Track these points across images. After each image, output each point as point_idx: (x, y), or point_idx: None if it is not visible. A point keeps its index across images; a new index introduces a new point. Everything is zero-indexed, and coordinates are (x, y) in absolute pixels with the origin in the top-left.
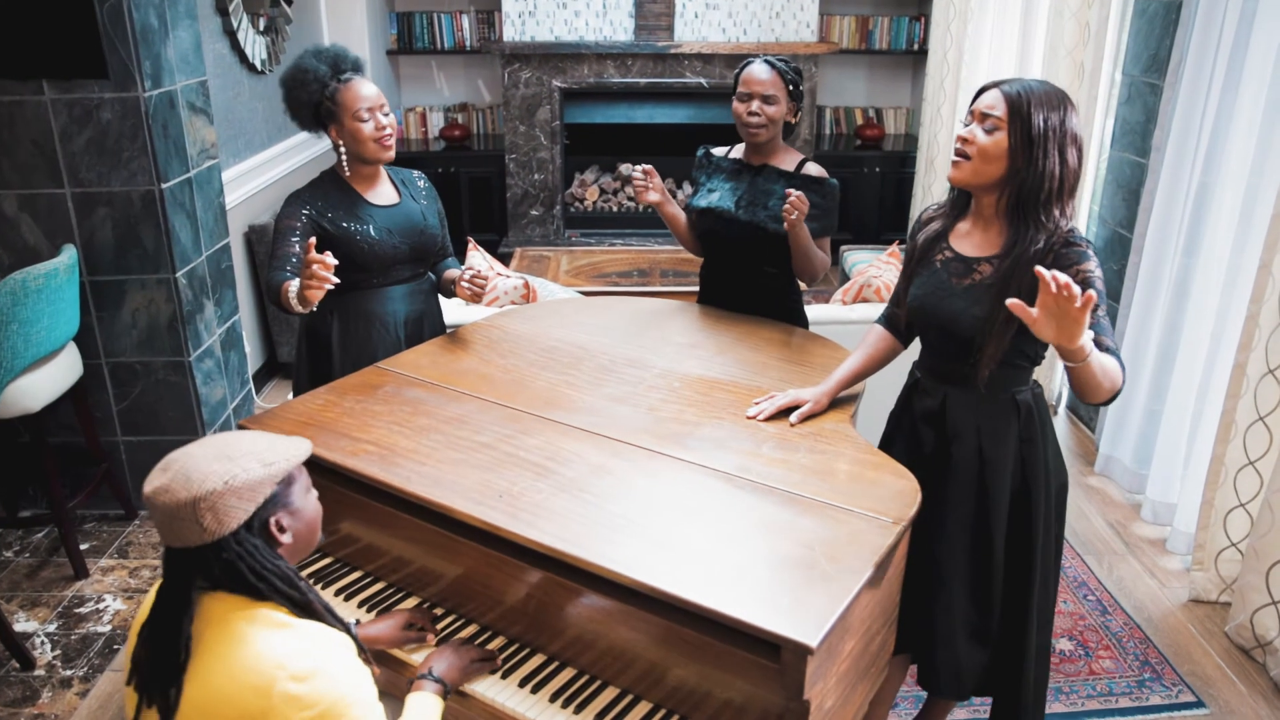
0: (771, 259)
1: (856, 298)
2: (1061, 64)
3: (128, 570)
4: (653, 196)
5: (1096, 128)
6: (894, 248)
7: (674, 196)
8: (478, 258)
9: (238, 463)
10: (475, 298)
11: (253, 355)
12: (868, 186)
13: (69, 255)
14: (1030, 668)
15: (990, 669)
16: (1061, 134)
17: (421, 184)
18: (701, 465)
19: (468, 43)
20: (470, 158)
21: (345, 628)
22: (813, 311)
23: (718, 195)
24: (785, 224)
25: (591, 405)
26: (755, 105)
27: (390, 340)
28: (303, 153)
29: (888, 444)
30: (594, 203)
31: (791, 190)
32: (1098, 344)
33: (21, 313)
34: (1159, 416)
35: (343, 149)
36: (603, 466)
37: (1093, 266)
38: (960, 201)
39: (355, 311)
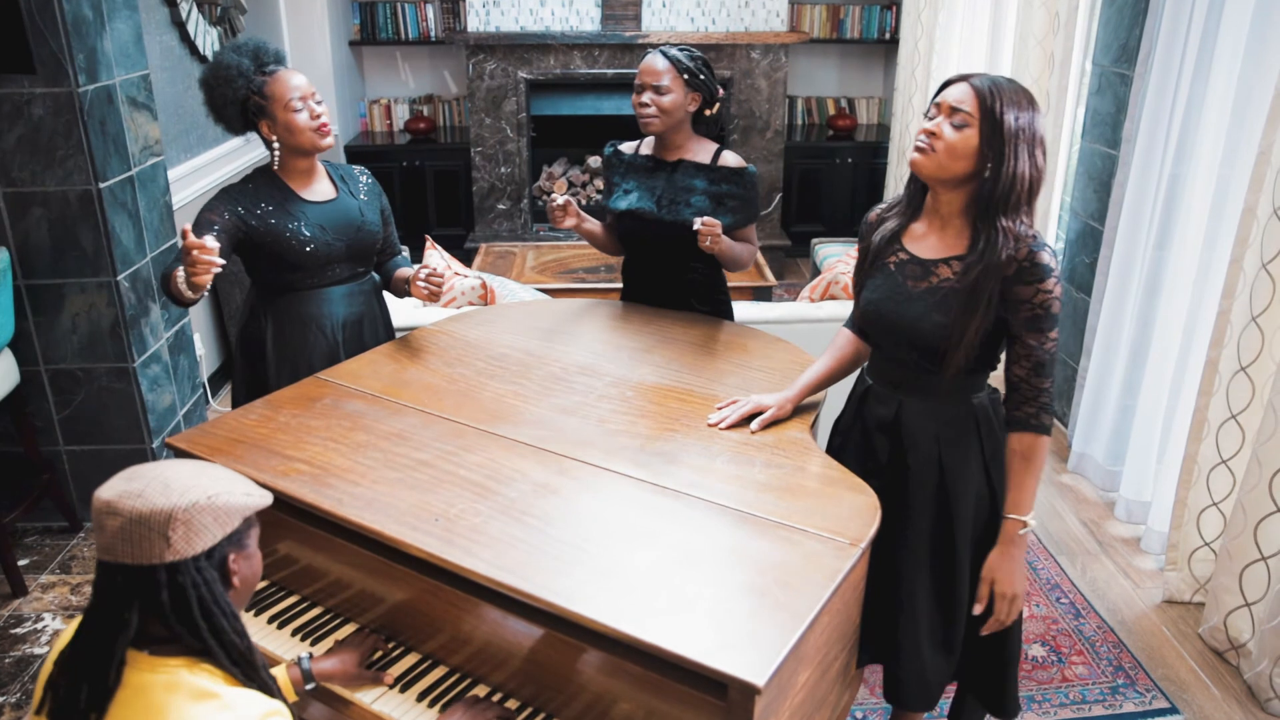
0: (697, 256)
1: (824, 294)
2: (1031, 54)
3: (70, 587)
4: (570, 222)
5: (1067, 118)
6: None
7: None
8: (435, 256)
9: (220, 484)
10: (432, 297)
11: (208, 358)
12: (840, 177)
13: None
14: (1013, 659)
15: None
16: (1030, 134)
17: (364, 180)
18: (651, 483)
19: (432, 33)
20: (436, 150)
21: (277, 691)
22: (780, 309)
23: (635, 195)
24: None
25: (539, 417)
26: (646, 96)
27: (327, 344)
28: (259, 148)
29: (837, 455)
30: (562, 196)
31: (699, 220)
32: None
33: None
34: (1132, 412)
35: (276, 145)
36: (547, 485)
37: (1051, 285)
38: (915, 200)
39: (290, 314)
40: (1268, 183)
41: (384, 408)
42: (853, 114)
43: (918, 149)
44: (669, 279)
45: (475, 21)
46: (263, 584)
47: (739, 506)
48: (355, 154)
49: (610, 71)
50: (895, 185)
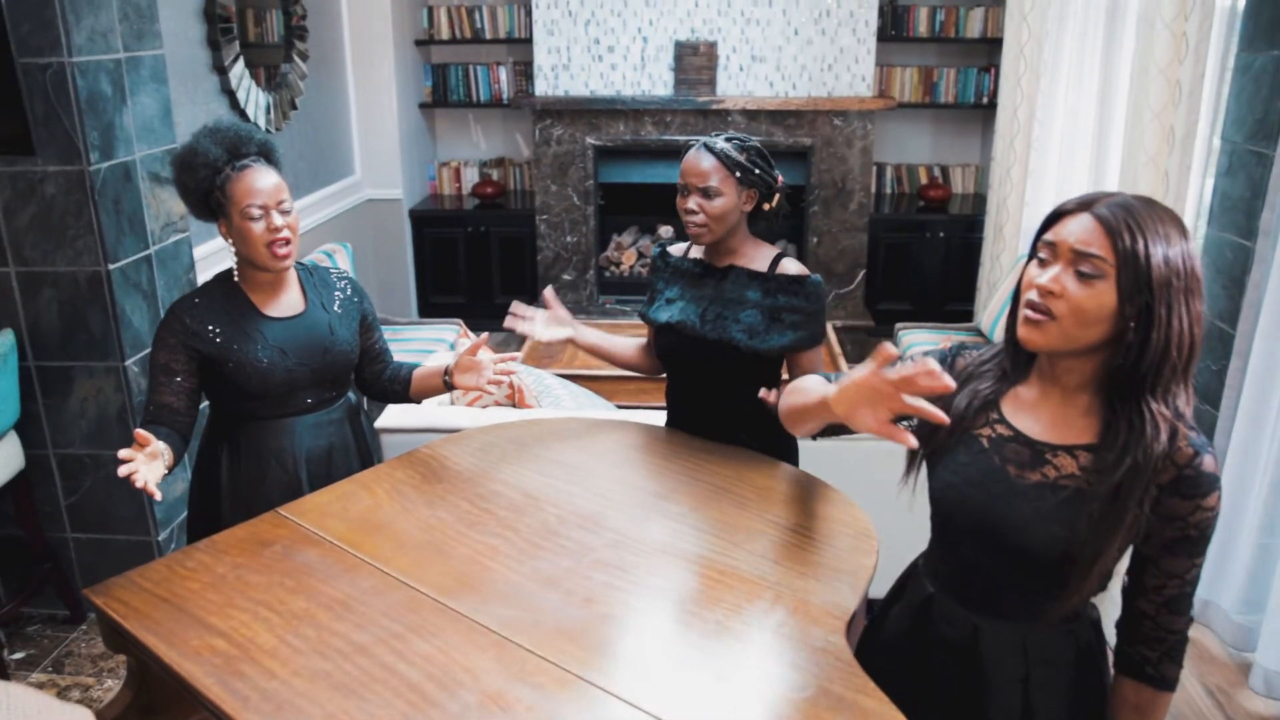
0: (749, 381)
1: None
2: (1147, 127)
3: (57, 689)
4: (525, 328)
5: (1190, 202)
6: (954, 337)
7: None
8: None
9: None
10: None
11: None
12: (930, 252)
13: (2, 343)
14: None
15: None
16: (1187, 278)
17: (340, 286)
18: (634, 706)
19: (504, 95)
20: (503, 216)
21: None
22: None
23: (679, 307)
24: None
25: (514, 588)
26: (693, 201)
27: (289, 482)
28: (317, 213)
29: (886, 682)
30: (630, 267)
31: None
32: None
33: None
34: (1273, 555)
35: (233, 249)
36: (500, 697)
37: (1214, 501)
38: (1021, 360)
39: (248, 448)
40: None
41: (339, 561)
42: (946, 183)
43: (1028, 319)
44: (715, 406)
45: (543, 86)
46: None
47: None
48: (421, 218)
49: (683, 138)
50: (990, 264)
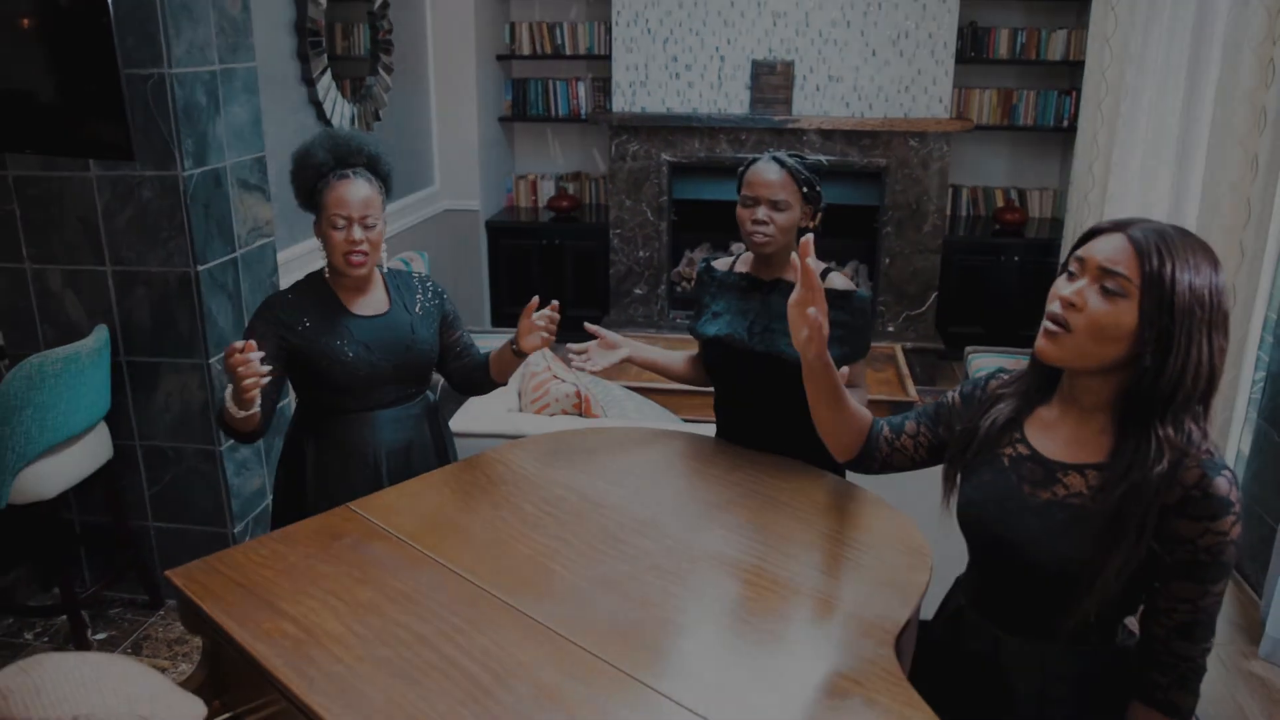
0: (797, 392)
1: None
2: (1230, 154)
3: None
4: (581, 363)
5: (1274, 229)
6: (1024, 362)
7: None
8: (537, 356)
9: (104, 697)
10: (547, 341)
11: None
12: (1005, 276)
13: (96, 338)
14: None
15: None
16: (1212, 310)
17: (423, 289)
18: (683, 706)
19: (582, 111)
20: (577, 229)
21: None
22: None
23: (726, 320)
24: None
25: (571, 589)
26: (761, 212)
27: (369, 474)
28: (396, 222)
29: (931, 694)
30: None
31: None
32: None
33: (37, 397)
34: None
35: (322, 248)
36: (554, 691)
37: (1227, 525)
38: (1044, 381)
39: (332, 440)
40: None
41: (406, 556)
42: (1023, 207)
43: (1046, 330)
44: (763, 417)
45: (620, 102)
46: None
47: None
48: (497, 229)
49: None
50: None
